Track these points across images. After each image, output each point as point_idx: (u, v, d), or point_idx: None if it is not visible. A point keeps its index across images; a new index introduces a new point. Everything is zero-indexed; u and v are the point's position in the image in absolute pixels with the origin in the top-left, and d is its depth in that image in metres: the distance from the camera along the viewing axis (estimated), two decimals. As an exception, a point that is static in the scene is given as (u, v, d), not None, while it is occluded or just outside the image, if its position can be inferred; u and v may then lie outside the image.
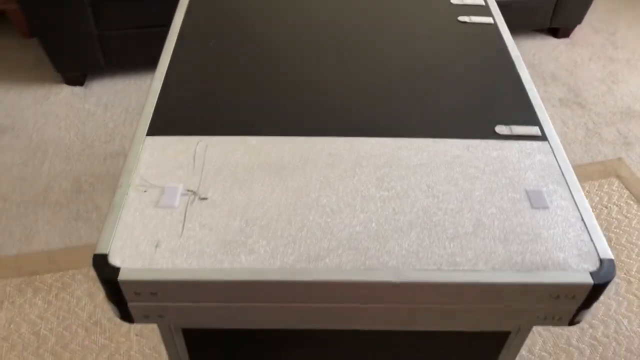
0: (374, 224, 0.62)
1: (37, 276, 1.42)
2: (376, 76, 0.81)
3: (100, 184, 1.65)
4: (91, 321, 1.34)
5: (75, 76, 1.93)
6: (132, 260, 0.57)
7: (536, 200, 0.65)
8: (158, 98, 0.75)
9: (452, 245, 0.60)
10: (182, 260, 0.58)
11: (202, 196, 0.64)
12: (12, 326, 1.32)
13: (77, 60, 1.84)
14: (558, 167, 0.69)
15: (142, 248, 0.58)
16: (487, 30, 0.90)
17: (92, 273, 1.43)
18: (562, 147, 0.71)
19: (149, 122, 0.72)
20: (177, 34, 0.86)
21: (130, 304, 0.58)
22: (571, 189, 0.66)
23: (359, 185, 0.66)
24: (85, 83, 1.96)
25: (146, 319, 0.60)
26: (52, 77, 1.98)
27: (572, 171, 0.69)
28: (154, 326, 1.35)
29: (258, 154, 0.69)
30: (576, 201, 0.65)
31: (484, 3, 0.95)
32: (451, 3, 0.96)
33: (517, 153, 0.70)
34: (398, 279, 0.57)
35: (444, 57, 0.85)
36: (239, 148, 0.70)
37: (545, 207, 0.64)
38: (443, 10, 0.94)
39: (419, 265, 0.58)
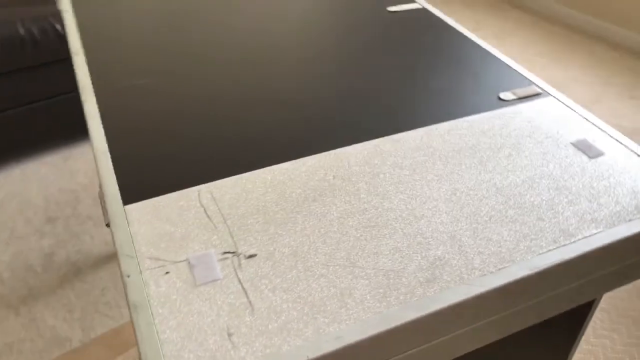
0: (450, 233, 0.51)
1: None
2: (344, 81, 0.71)
3: None
4: None
5: None
6: (208, 367, 0.38)
7: (587, 149, 0.60)
8: (112, 159, 0.56)
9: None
10: (278, 339, 0.40)
11: (248, 254, 0.47)
12: None
13: None
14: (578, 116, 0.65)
15: (213, 346, 0.40)
16: (422, 15, 0.85)
17: None
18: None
19: (117, 188, 0.52)
20: (91, 87, 0.67)
21: None
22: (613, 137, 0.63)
23: (405, 198, 0.55)
24: None
25: None
26: None
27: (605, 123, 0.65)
28: None
29: (270, 187, 0.54)
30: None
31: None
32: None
33: (536, 113, 0.66)
34: (532, 270, 0.47)
35: (408, 49, 0.78)
36: (247, 186, 0.54)
37: (601, 155, 0.60)
38: (371, 2, 0.88)
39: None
